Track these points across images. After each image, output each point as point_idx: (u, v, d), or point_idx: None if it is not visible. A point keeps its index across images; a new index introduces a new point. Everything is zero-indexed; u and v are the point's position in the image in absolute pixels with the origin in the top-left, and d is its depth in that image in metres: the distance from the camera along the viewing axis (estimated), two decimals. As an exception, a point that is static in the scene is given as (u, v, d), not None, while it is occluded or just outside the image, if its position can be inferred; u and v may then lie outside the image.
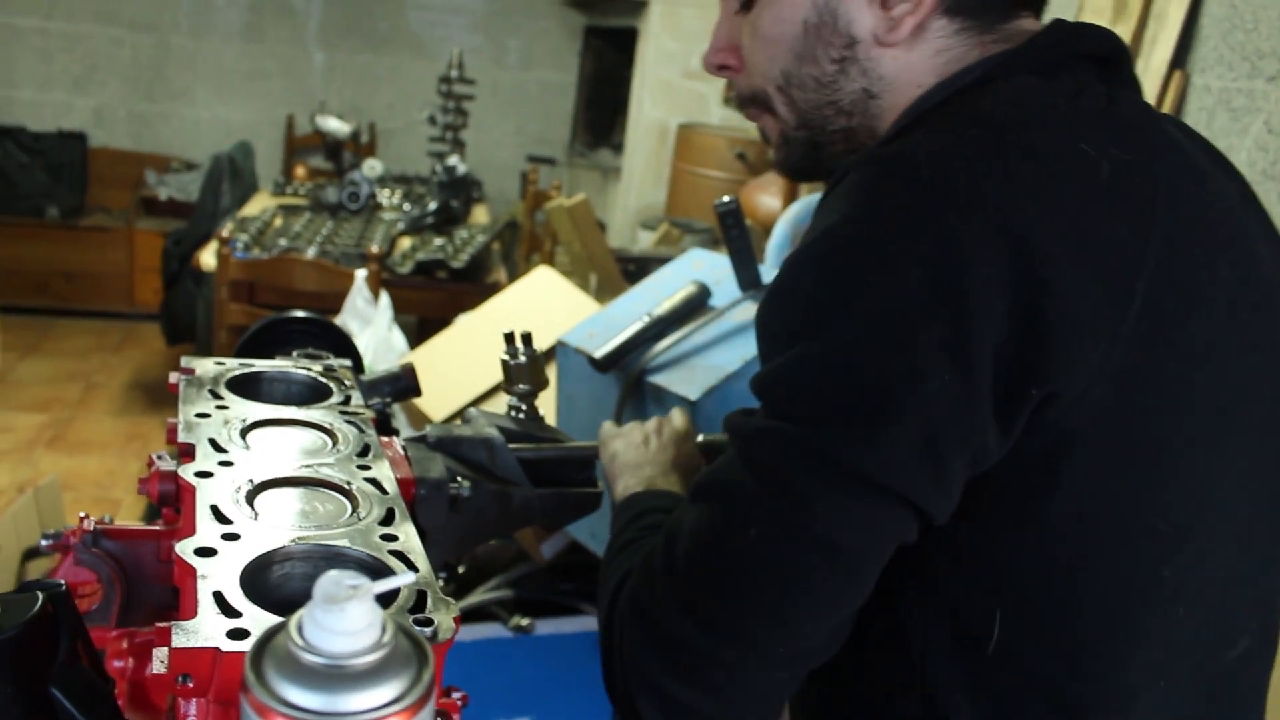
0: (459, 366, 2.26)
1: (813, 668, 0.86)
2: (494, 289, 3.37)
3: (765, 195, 3.80)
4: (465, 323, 2.49)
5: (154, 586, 0.87)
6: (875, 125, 0.95)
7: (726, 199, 1.62)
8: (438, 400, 2.17)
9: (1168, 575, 0.84)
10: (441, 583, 0.97)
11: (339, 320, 3.13)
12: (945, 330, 0.76)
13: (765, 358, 0.87)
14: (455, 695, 0.70)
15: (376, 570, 0.69)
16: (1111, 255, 0.80)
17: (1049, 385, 0.78)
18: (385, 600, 0.65)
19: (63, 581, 0.71)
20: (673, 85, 5.30)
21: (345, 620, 0.36)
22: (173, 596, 0.80)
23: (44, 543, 0.88)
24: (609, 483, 1.16)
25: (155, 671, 0.60)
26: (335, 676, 0.36)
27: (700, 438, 1.23)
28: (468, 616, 2.14)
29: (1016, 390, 0.78)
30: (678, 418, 1.22)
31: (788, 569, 0.80)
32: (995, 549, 0.84)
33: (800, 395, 0.81)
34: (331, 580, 0.36)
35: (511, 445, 1.06)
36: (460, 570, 2.26)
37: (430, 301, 3.92)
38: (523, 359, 1.13)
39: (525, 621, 2.07)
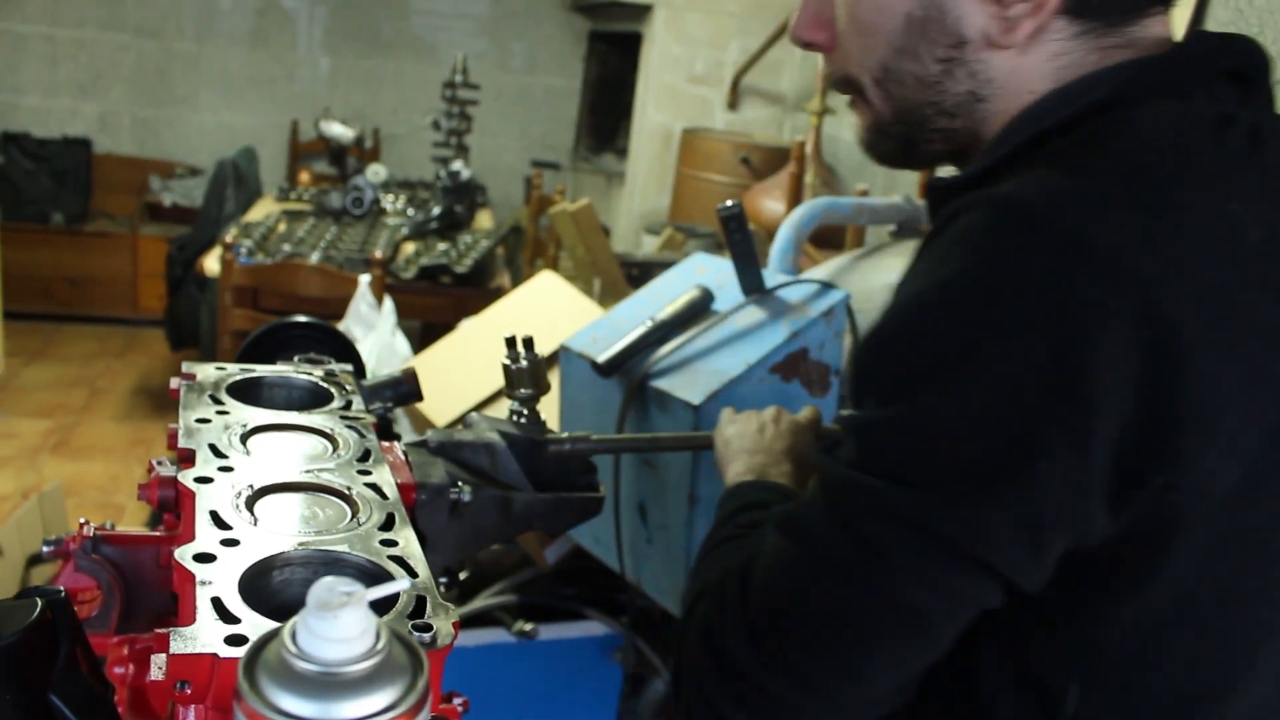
0: (462, 372, 2.25)
1: (878, 716, 0.83)
2: (498, 294, 3.37)
3: (769, 200, 3.80)
4: (468, 328, 2.48)
5: (154, 592, 0.87)
6: (980, 129, 0.88)
7: (729, 203, 1.62)
8: (441, 405, 2.16)
9: (1262, 658, 0.82)
10: (443, 588, 0.97)
11: (343, 326, 3.13)
12: (1064, 409, 0.71)
13: (858, 401, 0.83)
14: (456, 701, 0.70)
15: (375, 575, 0.69)
16: (1255, 337, 0.74)
17: (1172, 475, 0.73)
18: (384, 606, 0.65)
19: (62, 588, 0.71)
20: (677, 90, 5.31)
21: (339, 627, 0.36)
22: (173, 602, 0.80)
23: (45, 549, 0.88)
24: (720, 468, 1.15)
25: (153, 678, 0.60)
26: (329, 684, 0.36)
27: (824, 426, 1.23)
28: (471, 622, 2.14)
29: (1135, 478, 0.73)
30: (806, 411, 1.21)
31: (864, 626, 0.78)
32: (1085, 619, 0.80)
33: (897, 456, 0.77)
34: (325, 587, 0.36)
35: (630, 435, 1.06)
36: (463, 576, 2.26)
37: (434, 306, 3.92)
38: (524, 363, 1.12)
39: (529, 627, 2.07)
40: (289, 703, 0.36)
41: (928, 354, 0.75)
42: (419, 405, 2.18)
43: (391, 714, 0.36)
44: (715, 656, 0.83)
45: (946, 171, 0.94)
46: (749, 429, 1.16)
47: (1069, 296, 0.70)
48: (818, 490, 0.82)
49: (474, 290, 3.84)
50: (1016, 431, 0.72)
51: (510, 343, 1.13)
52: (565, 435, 1.02)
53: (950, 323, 0.74)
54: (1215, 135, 0.78)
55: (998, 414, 0.72)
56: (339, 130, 4.64)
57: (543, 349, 1.17)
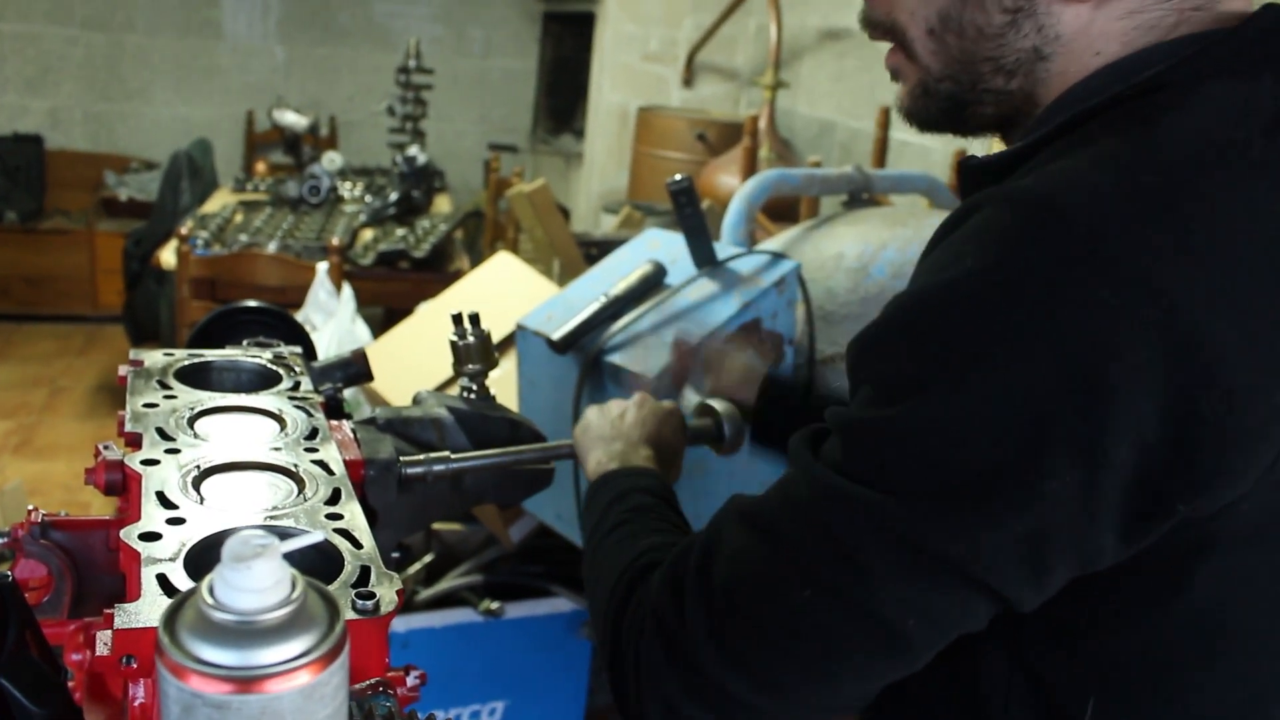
0: (420, 354, 2.26)
1: (850, 718, 0.82)
2: (457, 277, 3.37)
3: (725, 175, 3.81)
4: (426, 311, 2.49)
5: (107, 576, 0.87)
6: (1037, 92, 0.81)
7: (679, 177, 1.63)
8: (400, 388, 2.17)
9: None
10: (397, 559, 0.98)
11: (302, 314, 3.12)
12: (1078, 424, 0.65)
13: (852, 391, 0.78)
14: (413, 674, 0.71)
15: (321, 549, 0.70)
16: None
17: (1197, 499, 0.68)
18: (329, 575, 0.66)
19: (10, 574, 0.71)
20: (632, 69, 5.30)
21: (253, 578, 0.37)
22: (125, 585, 0.81)
23: (-4, 540, 0.88)
24: (580, 455, 1.13)
25: (99, 654, 0.61)
26: (246, 633, 0.37)
27: (690, 422, 1.24)
28: (438, 602, 2.15)
29: (1156, 503, 0.68)
30: (668, 402, 1.20)
31: (837, 638, 0.74)
32: (1102, 636, 0.76)
33: (890, 462, 0.71)
34: (239, 540, 0.37)
35: (486, 452, 1.05)
36: (430, 557, 2.27)
37: (394, 292, 3.92)
38: (471, 339, 1.13)
39: (495, 605, 2.08)
40: (207, 652, 0.37)
41: (935, 354, 0.70)
42: (379, 389, 2.18)
43: (306, 659, 0.37)
44: (676, 657, 0.79)
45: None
46: (607, 416, 1.14)
47: (1091, 303, 0.65)
48: (796, 487, 0.77)
49: (433, 274, 3.84)
50: (1024, 444, 0.67)
51: (457, 319, 1.14)
52: (422, 457, 0.99)
53: (961, 323, 0.69)
54: (1271, 128, 0.71)
55: (1005, 423, 0.67)
56: (293, 119, 4.61)
57: (500, 329, 1.18)
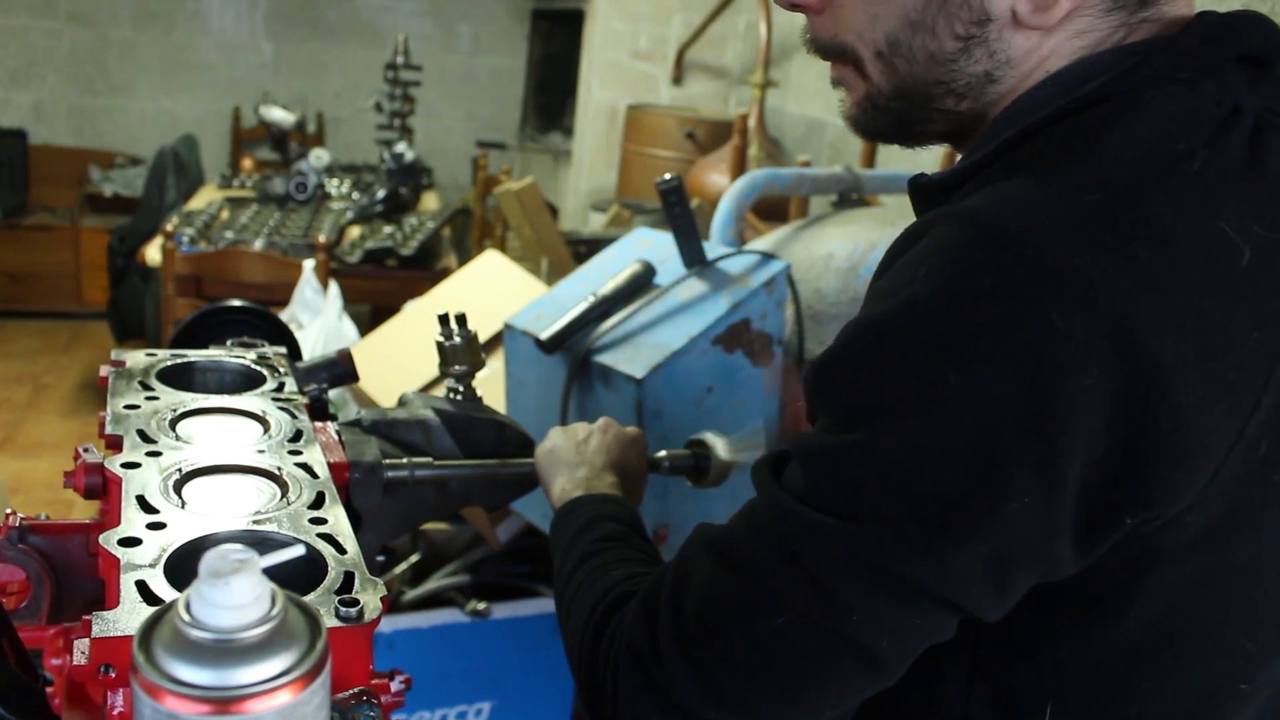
0: (407, 354, 2.24)
1: None
2: (444, 275, 3.35)
3: (714, 173, 3.80)
4: (413, 309, 2.47)
5: (87, 581, 0.86)
6: (987, 111, 0.81)
7: (668, 176, 1.62)
8: (387, 388, 2.15)
9: (1245, 689, 0.79)
10: (382, 562, 0.97)
11: (288, 312, 3.10)
12: (1035, 444, 0.67)
13: (812, 417, 0.79)
14: (398, 679, 0.70)
15: (306, 554, 0.69)
16: (1237, 366, 0.69)
17: (1145, 512, 0.69)
18: (312, 581, 0.65)
19: (-15, 578, 0.70)
20: (621, 66, 5.29)
21: (231, 594, 0.36)
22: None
23: (-27, 544, 0.86)
24: (543, 479, 1.11)
25: (77, 663, 0.60)
26: (224, 651, 0.36)
27: (662, 453, 1.21)
28: (424, 603, 2.14)
29: (1105, 515, 0.69)
30: (632, 428, 1.18)
31: (813, 663, 0.75)
32: (1059, 643, 0.77)
33: (853, 489, 0.72)
34: (217, 555, 0.36)
35: (465, 462, 1.03)
36: (416, 558, 2.26)
37: (381, 290, 3.90)
38: (458, 339, 1.12)
39: (482, 606, 2.07)
40: (185, 672, 0.36)
41: (891, 380, 0.71)
42: (366, 389, 2.17)
43: (287, 679, 0.36)
44: (651, 689, 0.80)
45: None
46: (570, 440, 1.13)
47: (1041, 327, 0.66)
48: (762, 517, 0.78)
49: (420, 272, 3.82)
50: (983, 467, 0.68)
51: (444, 320, 1.13)
52: (404, 460, 0.99)
53: (916, 348, 0.70)
54: (1214, 137, 0.72)
55: (964, 448, 0.68)
56: (279, 115, 4.58)
57: (488, 328, 1.16)
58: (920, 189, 0.85)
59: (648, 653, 0.80)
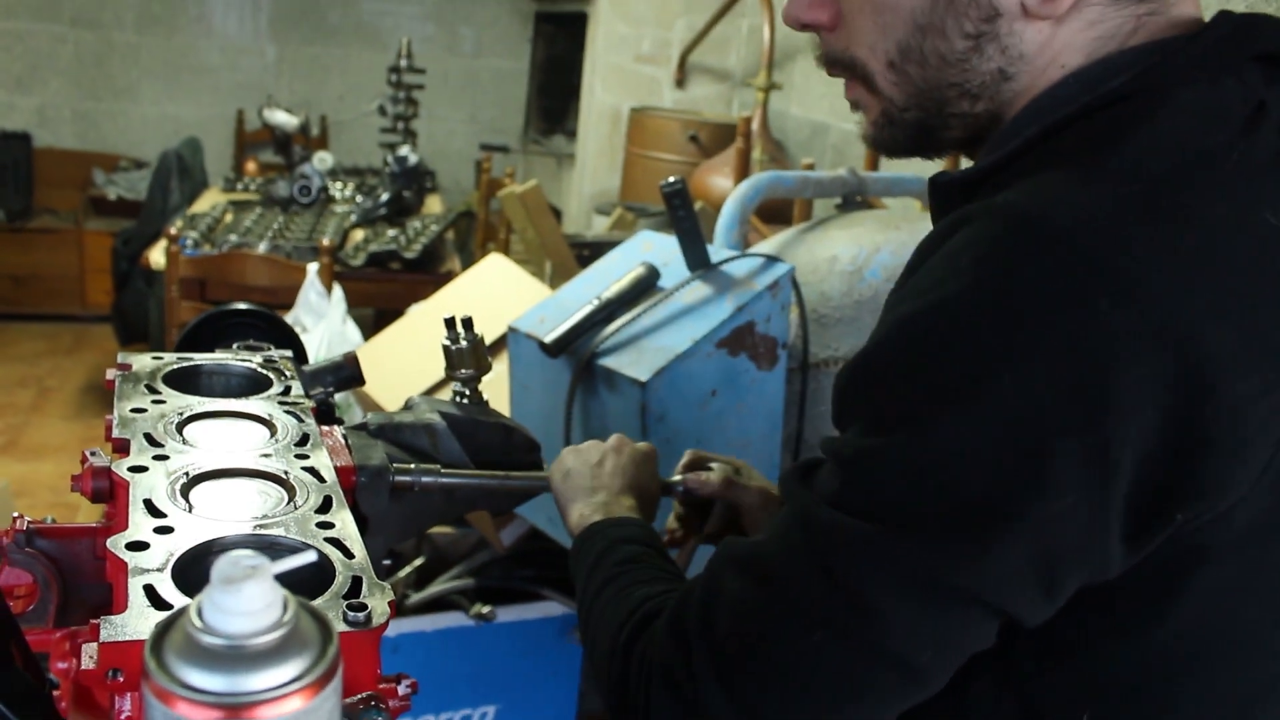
0: (411, 357, 2.25)
1: None
2: (448, 278, 3.36)
3: (718, 177, 3.80)
4: (417, 313, 2.47)
5: (94, 585, 0.86)
6: (1003, 111, 0.80)
7: (672, 179, 1.62)
8: (391, 391, 2.15)
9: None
10: (388, 565, 0.97)
11: (292, 315, 3.11)
12: (1084, 439, 0.65)
13: (842, 422, 0.77)
14: (404, 683, 0.70)
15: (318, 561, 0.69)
16: None
17: (1197, 504, 0.68)
18: (320, 586, 0.65)
19: (-7, 583, 0.70)
20: (624, 69, 5.29)
21: (243, 600, 0.36)
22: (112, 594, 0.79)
23: (-20, 546, 0.86)
24: (560, 503, 1.10)
25: (85, 668, 0.60)
26: (235, 657, 0.36)
27: (677, 477, 1.18)
28: (429, 606, 2.14)
29: (1156, 512, 0.67)
30: (644, 444, 1.17)
31: (851, 678, 0.72)
32: (1092, 650, 0.75)
33: (891, 495, 0.70)
34: (229, 561, 0.36)
35: (473, 473, 1.03)
36: (420, 561, 2.26)
37: (384, 293, 3.90)
38: (464, 343, 1.12)
39: (487, 610, 2.07)
40: (196, 677, 0.36)
41: (932, 380, 0.68)
42: (371, 392, 2.17)
43: (299, 684, 0.36)
44: (684, 706, 0.78)
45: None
46: (587, 462, 1.11)
47: (1089, 320, 0.64)
48: (791, 529, 0.75)
49: (424, 276, 3.83)
50: (1032, 465, 0.66)
51: (449, 324, 1.13)
52: (411, 467, 0.98)
53: (958, 346, 0.68)
54: (1245, 131, 0.72)
55: (1010, 446, 0.66)
56: (283, 118, 4.58)
57: (492, 331, 1.16)
58: (940, 187, 0.83)
59: (680, 670, 0.78)
